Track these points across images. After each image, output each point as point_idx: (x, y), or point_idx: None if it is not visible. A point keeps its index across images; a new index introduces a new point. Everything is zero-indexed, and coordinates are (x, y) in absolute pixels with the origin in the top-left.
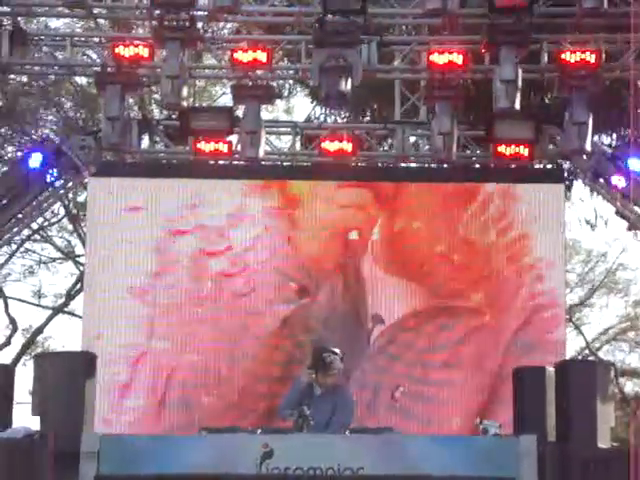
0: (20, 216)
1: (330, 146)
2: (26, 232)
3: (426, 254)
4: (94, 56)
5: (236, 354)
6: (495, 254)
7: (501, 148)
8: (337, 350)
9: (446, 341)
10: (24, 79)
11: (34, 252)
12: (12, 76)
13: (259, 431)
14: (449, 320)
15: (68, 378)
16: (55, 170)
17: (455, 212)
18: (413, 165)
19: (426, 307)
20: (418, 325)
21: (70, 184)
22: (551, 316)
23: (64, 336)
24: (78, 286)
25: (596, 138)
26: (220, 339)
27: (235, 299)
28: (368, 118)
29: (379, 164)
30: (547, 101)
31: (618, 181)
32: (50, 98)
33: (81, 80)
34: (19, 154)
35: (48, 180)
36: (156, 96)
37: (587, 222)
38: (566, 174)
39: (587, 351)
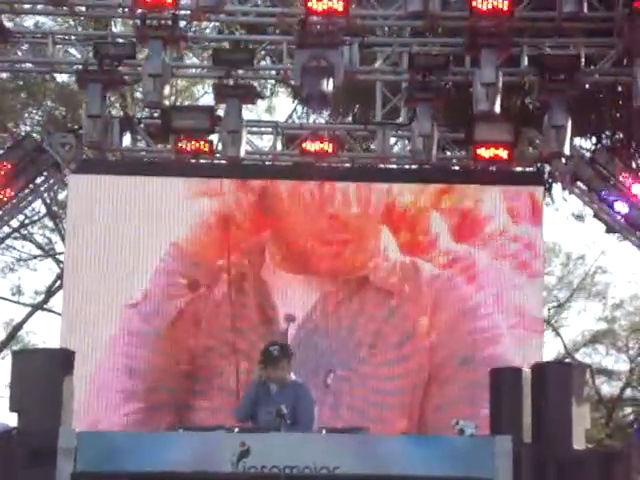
0: (0, 213)
1: (311, 146)
2: (6, 229)
3: (315, 247)
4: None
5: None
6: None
7: (480, 150)
8: (284, 343)
9: (365, 321)
10: (4, 76)
11: (14, 249)
12: None
13: (236, 430)
14: (358, 299)
15: (46, 374)
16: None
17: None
18: (394, 166)
19: (332, 290)
20: (331, 311)
21: (51, 181)
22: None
23: (45, 332)
24: (58, 283)
25: (575, 142)
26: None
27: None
28: (350, 119)
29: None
30: (526, 104)
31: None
32: (31, 95)
33: (61, 77)
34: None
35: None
36: (138, 94)
37: (576, 216)
38: (546, 176)
39: (564, 353)
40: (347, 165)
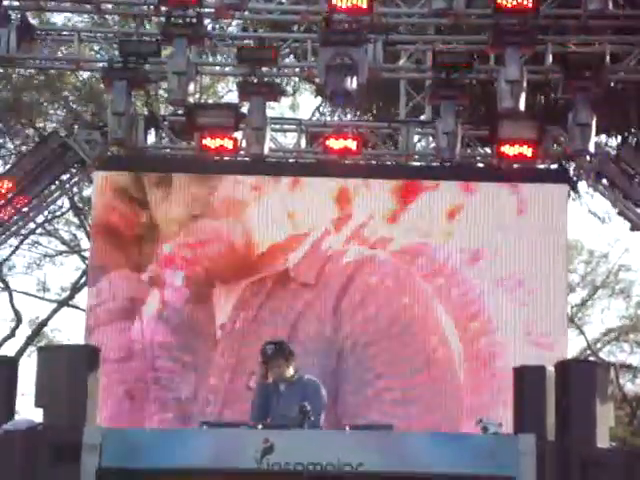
0: (26, 209)
1: (335, 144)
2: (31, 225)
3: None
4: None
5: None
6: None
7: (504, 148)
8: (281, 341)
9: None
10: (31, 72)
11: (40, 245)
12: (19, 70)
13: (260, 426)
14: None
15: (70, 371)
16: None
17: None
18: (417, 163)
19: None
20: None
21: (76, 178)
22: None
23: (71, 329)
24: (83, 279)
25: (600, 139)
26: None
27: None
28: (372, 116)
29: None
30: (551, 101)
31: None
32: (55, 92)
33: (84, 74)
34: (24, 148)
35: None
36: (162, 92)
37: (594, 214)
38: (571, 174)
39: (588, 351)
40: (371, 162)
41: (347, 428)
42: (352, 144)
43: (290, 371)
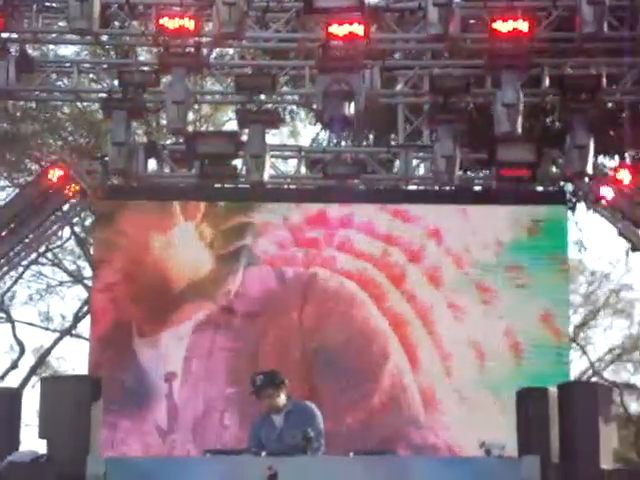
0: (27, 240)
1: (334, 169)
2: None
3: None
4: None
5: None
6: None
7: (503, 171)
8: (271, 370)
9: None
10: (31, 105)
11: (45, 276)
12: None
13: (263, 453)
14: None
15: (74, 401)
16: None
17: None
18: (416, 187)
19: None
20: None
21: (78, 209)
22: None
23: (75, 358)
24: (85, 308)
25: (598, 160)
26: None
27: None
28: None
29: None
30: (548, 124)
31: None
32: (55, 123)
33: (82, 105)
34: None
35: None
36: (162, 121)
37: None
38: (570, 195)
39: (591, 371)
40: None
41: (351, 454)
42: (351, 169)
43: (281, 400)
